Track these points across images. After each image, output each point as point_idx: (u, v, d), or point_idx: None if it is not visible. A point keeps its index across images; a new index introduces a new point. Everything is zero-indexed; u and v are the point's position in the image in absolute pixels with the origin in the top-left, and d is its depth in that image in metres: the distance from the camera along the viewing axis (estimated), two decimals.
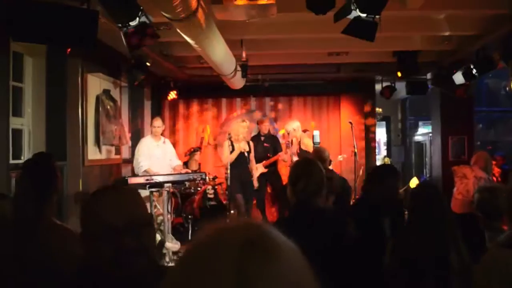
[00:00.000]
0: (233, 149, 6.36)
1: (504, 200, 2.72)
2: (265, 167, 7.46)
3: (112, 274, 1.20)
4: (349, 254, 2.47)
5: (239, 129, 6.48)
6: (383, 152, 11.96)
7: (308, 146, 6.58)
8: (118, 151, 6.52)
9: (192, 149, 8.11)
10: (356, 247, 2.51)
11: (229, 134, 6.56)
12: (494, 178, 6.25)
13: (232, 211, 6.37)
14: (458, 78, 6.35)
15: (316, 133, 7.16)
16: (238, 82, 6.94)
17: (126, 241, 1.20)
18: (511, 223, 1.79)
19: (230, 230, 0.65)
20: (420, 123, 11.75)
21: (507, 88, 5.29)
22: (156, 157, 6.23)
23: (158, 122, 6.47)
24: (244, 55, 6.05)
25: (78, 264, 1.36)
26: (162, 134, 6.59)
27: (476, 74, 5.86)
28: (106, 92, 6.16)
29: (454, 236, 2.50)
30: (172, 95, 8.18)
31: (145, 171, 6.01)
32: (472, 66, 5.87)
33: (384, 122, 11.47)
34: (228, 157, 6.34)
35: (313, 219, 2.44)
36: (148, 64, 6.13)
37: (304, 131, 7.90)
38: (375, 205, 3.10)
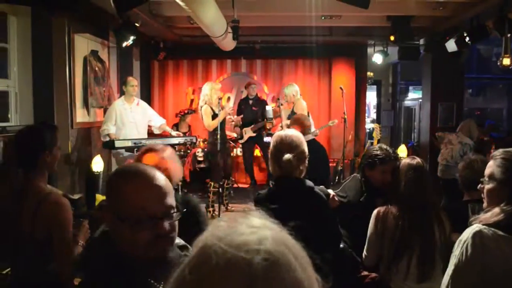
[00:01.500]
0: (214, 114, 6.12)
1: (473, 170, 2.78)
2: (254, 131, 7.46)
3: (145, 258, 1.22)
4: (331, 227, 2.51)
5: (213, 92, 6.21)
6: (373, 115, 12.01)
7: (304, 109, 6.45)
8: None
9: (186, 111, 8.05)
10: (335, 220, 2.55)
11: (205, 97, 6.27)
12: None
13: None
14: (451, 45, 6.31)
15: (269, 108, 7.04)
16: (228, 44, 6.81)
17: (164, 226, 1.23)
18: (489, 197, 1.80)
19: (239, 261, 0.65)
20: (411, 88, 11.75)
21: (499, 64, 5.25)
22: (130, 120, 5.90)
23: (134, 81, 6.05)
24: (235, 16, 5.91)
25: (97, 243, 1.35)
26: (150, 98, 6.41)
27: (469, 42, 5.81)
28: (94, 53, 6.02)
29: (437, 216, 2.56)
30: (161, 56, 8.02)
31: (107, 135, 5.72)
32: (465, 34, 5.82)
33: (375, 86, 11.46)
34: (211, 123, 6.11)
35: (294, 192, 2.46)
36: (137, 24, 5.97)
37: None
38: (373, 188, 3.10)
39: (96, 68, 6.00)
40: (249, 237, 0.67)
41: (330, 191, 2.64)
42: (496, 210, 1.69)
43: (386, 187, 2.88)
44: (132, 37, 5.85)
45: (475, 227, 1.66)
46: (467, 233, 1.66)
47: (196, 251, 0.69)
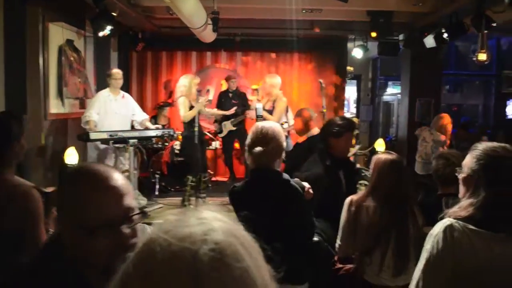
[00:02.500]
0: (191, 107, 6.05)
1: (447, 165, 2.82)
2: (234, 125, 7.42)
3: (103, 267, 1.07)
4: (306, 219, 2.51)
5: (192, 85, 6.14)
6: (353, 110, 12.08)
7: (282, 111, 6.38)
8: (82, 105, 6.30)
9: (161, 103, 7.95)
10: (310, 213, 2.55)
11: (182, 88, 6.19)
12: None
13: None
14: (429, 41, 6.36)
15: (259, 105, 7.01)
16: (208, 35, 6.73)
17: (124, 232, 1.10)
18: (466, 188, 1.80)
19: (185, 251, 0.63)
20: (390, 83, 11.83)
21: (474, 59, 5.31)
22: (114, 111, 5.83)
23: (118, 74, 5.97)
24: (215, 7, 5.84)
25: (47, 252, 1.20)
26: (128, 89, 6.30)
27: (447, 38, 5.87)
28: (69, 42, 5.88)
29: (411, 210, 2.59)
30: (140, 46, 7.89)
31: (87, 122, 5.60)
32: (443, 30, 5.87)
33: (355, 81, 11.51)
34: (187, 114, 6.04)
35: (269, 184, 2.45)
36: (114, 14, 5.84)
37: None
38: (336, 159, 3.27)
39: (72, 58, 5.87)
40: (195, 228, 0.65)
41: (306, 184, 2.63)
42: (464, 203, 1.70)
43: (346, 157, 3.09)
44: (109, 27, 5.73)
45: (446, 221, 1.66)
46: (438, 227, 1.66)
47: (140, 246, 0.66)
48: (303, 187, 2.59)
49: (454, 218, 1.66)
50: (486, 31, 5.25)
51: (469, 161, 1.76)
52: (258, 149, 2.42)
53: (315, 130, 4.24)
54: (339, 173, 3.31)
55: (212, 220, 0.68)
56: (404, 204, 2.59)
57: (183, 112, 6.02)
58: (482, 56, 5.19)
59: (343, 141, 3.31)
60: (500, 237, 1.60)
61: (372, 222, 2.56)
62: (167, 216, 0.70)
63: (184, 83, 6.11)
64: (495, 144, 1.75)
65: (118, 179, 1.14)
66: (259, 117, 6.68)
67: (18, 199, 2.14)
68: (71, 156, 5.14)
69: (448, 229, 1.63)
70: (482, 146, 1.76)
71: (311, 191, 2.65)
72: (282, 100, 6.40)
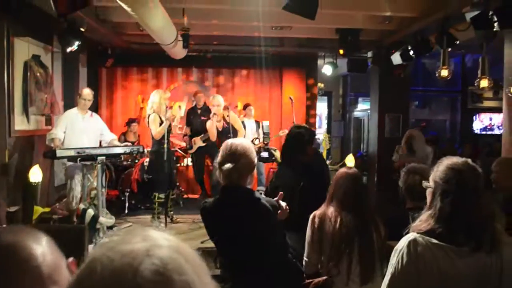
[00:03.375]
0: (162, 122, 5.99)
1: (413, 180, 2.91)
2: (203, 140, 7.37)
3: None
4: (276, 238, 2.49)
5: (162, 101, 6.09)
6: (324, 126, 12.21)
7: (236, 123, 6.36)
8: (49, 122, 6.15)
9: (128, 120, 7.86)
10: (281, 231, 2.54)
11: (153, 105, 6.13)
12: None
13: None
14: (396, 58, 6.51)
15: (266, 123, 7.03)
16: (179, 52, 6.72)
17: None
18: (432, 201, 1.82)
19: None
20: (360, 99, 12.03)
21: (437, 75, 5.47)
22: (81, 130, 5.73)
23: (90, 95, 5.86)
24: (185, 24, 5.84)
25: None
26: (97, 106, 6.19)
27: (413, 55, 6.02)
28: (36, 57, 5.75)
29: (373, 220, 2.66)
30: (109, 63, 7.81)
31: (51, 139, 5.48)
32: (409, 48, 6.02)
33: (325, 97, 11.66)
34: (158, 131, 5.97)
35: (240, 202, 2.43)
36: (82, 29, 5.77)
37: (246, 106, 7.83)
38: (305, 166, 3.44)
39: (38, 74, 5.73)
40: (139, 244, 0.65)
41: (282, 203, 2.62)
42: (423, 216, 1.72)
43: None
44: (77, 43, 5.65)
45: (410, 236, 1.67)
46: (403, 242, 1.68)
47: (82, 266, 0.65)
48: (274, 205, 2.56)
49: (418, 233, 1.67)
50: (449, 49, 5.42)
51: (432, 175, 1.79)
52: (227, 165, 2.40)
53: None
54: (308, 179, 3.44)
55: (157, 238, 0.68)
56: (362, 213, 2.68)
57: (154, 129, 5.95)
58: (444, 72, 5.36)
59: (311, 148, 3.59)
60: (462, 252, 1.62)
61: (335, 231, 2.62)
62: (112, 236, 0.69)
63: (155, 100, 6.06)
64: (457, 158, 1.78)
65: (38, 255, 0.86)
66: (266, 135, 6.63)
67: None
68: (35, 175, 4.99)
69: (412, 243, 1.64)
70: (445, 160, 1.79)
71: (287, 209, 2.63)
72: (233, 116, 6.39)
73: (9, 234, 0.89)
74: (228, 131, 5.98)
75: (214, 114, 6.15)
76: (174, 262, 0.63)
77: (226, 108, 6.24)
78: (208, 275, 0.68)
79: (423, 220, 1.70)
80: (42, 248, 0.87)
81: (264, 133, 6.77)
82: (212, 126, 6.22)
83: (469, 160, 1.78)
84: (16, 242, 0.86)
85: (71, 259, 0.93)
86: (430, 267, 1.61)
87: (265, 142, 7.18)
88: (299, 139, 3.59)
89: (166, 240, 0.68)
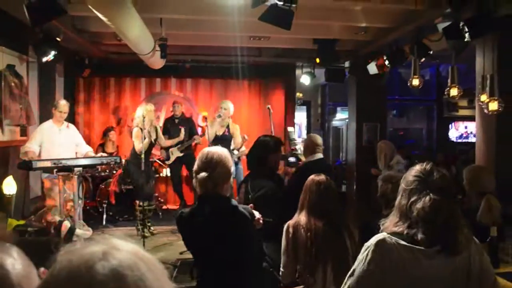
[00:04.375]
0: (144, 137, 5.99)
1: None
2: (181, 151, 7.34)
3: None
4: (253, 246, 2.50)
5: (147, 114, 6.10)
6: (304, 135, 12.28)
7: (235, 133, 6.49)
8: (24, 132, 6.06)
9: (105, 129, 7.79)
10: (258, 240, 2.55)
11: (136, 119, 6.15)
12: None
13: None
14: (372, 68, 6.61)
15: (291, 129, 7.05)
16: (157, 62, 6.69)
17: None
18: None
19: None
20: (339, 108, 12.15)
21: (408, 84, 5.58)
22: (58, 143, 5.70)
23: (65, 107, 5.83)
24: (163, 34, 5.84)
25: None
26: (74, 116, 6.13)
27: (388, 65, 6.12)
28: (10, 67, 5.67)
29: (346, 226, 2.69)
30: (86, 72, 7.73)
31: (25, 152, 5.44)
32: (385, 57, 6.12)
33: (304, 107, 11.74)
34: (141, 146, 5.95)
35: (217, 211, 2.42)
36: (58, 39, 5.71)
37: None
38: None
39: (13, 84, 5.65)
40: (97, 248, 0.70)
41: (256, 214, 2.63)
42: (392, 217, 1.76)
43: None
44: (53, 52, 5.58)
45: (380, 235, 1.72)
46: (373, 240, 1.72)
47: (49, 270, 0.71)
48: (252, 213, 2.57)
49: (387, 233, 1.71)
50: (423, 59, 5.53)
51: (402, 180, 1.83)
52: (203, 174, 2.41)
53: (317, 156, 4.40)
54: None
55: (117, 243, 0.73)
56: (332, 220, 2.69)
57: (137, 144, 5.94)
58: (416, 81, 5.46)
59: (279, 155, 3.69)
60: (430, 253, 1.65)
61: (307, 239, 2.64)
62: (78, 243, 0.75)
63: (138, 114, 6.08)
64: (425, 163, 1.82)
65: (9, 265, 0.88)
66: (292, 141, 6.62)
67: None
68: (9, 186, 4.89)
69: (380, 242, 1.69)
70: (415, 167, 1.83)
71: (261, 220, 2.65)
72: (235, 124, 6.51)
73: None
74: (226, 139, 6.07)
75: (220, 116, 6.21)
76: (129, 261, 0.68)
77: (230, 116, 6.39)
78: (166, 277, 0.73)
79: (392, 222, 1.74)
80: (11, 258, 0.90)
81: (290, 139, 6.77)
82: (213, 128, 6.26)
83: (437, 167, 1.82)
84: None
85: (42, 269, 0.98)
86: (396, 267, 1.65)
87: (292, 148, 7.16)
88: (265, 146, 3.70)
89: (125, 245, 0.73)
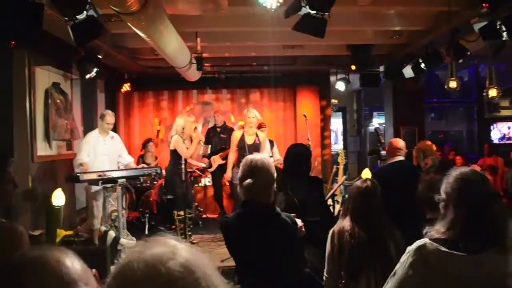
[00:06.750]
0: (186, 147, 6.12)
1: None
2: (223, 158, 7.45)
3: None
4: (295, 252, 2.53)
5: (187, 124, 6.20)
6: (340, 141, 12.21)
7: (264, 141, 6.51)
8: (70, 147, 6.33)
9: (144, 141, 8.00)
10: (299, 246, 2.58)
11: (177, 127, 6.25)
12: None
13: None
14: (408, 71, 6.54)
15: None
16: (193, 74, 6.87)
17: None
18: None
19: None
20: (375, 113, 12.02)
21: (446, 87, 5.48)
22: (103, 153, 5.85)
23: (111, 118, 5.98)
24: (199, 47, 5.99)
25: None
26: (115, 130, 6.31)
27: (424, 68, 6.05)
28: (56, 85, 5.95)
29: (391, 233, 2.65)
30: (126, 87, 8.00)
31: (80, 164, 5.62)
32: (420, 60, 6.06)
33: (340, 113, 11.68)
34: (187, 151, 6.08)
35: (261, 217, 2.47)
36: (99, 56, 5.97)
37: (259, 126, 7.88)
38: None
39: (58, 101, 5.92)
40: (165, 248, 0.82)
41: (298, 221, 2.66)
42: (437, 226, 1.75)
43: None
44: (95, 69, 5.84)
45: (421, 241, 1.73)
46: (415, 245, 1.73)
47: (117, 267, 0.82)
48: (294, 221, 2.60)
49: (430, 239, 1.72)
50: (461, 60, 5.44)
51: (443, 187, 1.83)
52: (248, 181, 2.46)
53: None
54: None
55: (176, 244, 0.85)
56: (375, 227, 2.69)
57: (182, 149, 6.00)
58: (453, 84, 5.37)
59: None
60: (470, 259, 1.65)
61: (351, 245, 2.63)
62: (132, 248, 0.87)
63: (179, 123, 6.15)
64: (464, 168, 1.83)
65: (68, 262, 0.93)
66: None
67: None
68: (58, 198, 5.12)
69: (422, 248, 1.70)
70: (454, 171, 1.84)
71: (303, 228, 2.67)
72: (264, 135, 6.50)
73: (35, 250, 0.95)
74: (256, 148, 6.02)
75: (249, 124, 6.19)
76: (194, 259, 0.81)
77: (260, 126, 6.44)
78: (218, 272, 0.85)
79: (436, 230, 1.75)
80: (69, 257, 0.93)
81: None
82: (244, 136, 6.28)
83: (477, 170, 1.82)
84: (44, 255, 0.92)
85: (94, 270, 1.01)
86: (436, 273, 1.66)
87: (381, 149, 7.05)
88: (300, 154, 3.83)
89: (183, 245, 0.85)
